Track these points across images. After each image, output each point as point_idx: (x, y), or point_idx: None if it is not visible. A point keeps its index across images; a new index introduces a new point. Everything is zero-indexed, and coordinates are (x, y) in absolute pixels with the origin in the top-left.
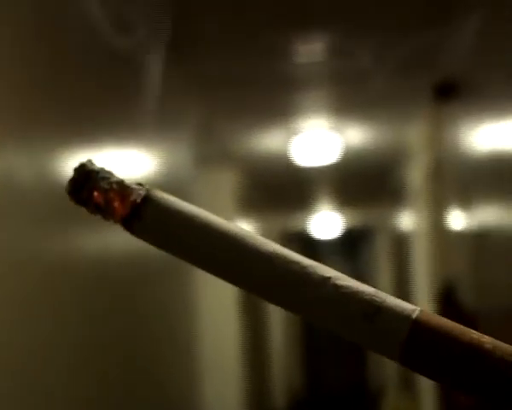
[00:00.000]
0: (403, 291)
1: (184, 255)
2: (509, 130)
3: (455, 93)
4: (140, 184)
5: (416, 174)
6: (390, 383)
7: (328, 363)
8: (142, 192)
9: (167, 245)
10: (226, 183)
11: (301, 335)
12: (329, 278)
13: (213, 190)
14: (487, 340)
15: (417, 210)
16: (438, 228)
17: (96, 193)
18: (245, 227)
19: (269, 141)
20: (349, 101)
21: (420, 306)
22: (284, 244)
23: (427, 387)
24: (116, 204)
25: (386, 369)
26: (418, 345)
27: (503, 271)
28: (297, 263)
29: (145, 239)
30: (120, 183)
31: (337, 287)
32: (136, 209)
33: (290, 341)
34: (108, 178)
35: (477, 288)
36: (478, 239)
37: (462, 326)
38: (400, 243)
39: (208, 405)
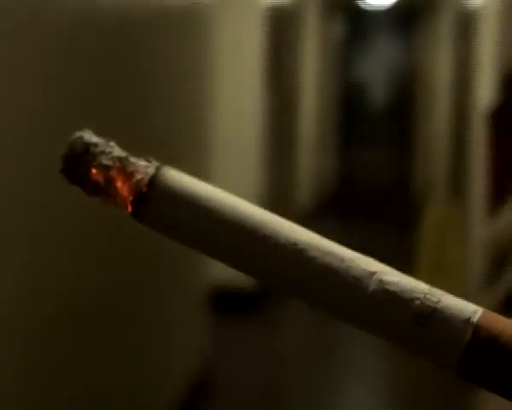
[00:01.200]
0: (463, 77)
1: (199, 246)
2: None
3: None
4: (148, 160)
5: None
6: (436, 186)
7: (366, 155)
8: (151, 170)
9: (179, 234)
10: None
11: (337, 116)
12: (374, 273)
13: None
14: None
15: None
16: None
17: (94, 170)
18: None
19: None
20: None
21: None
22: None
23: (478, 197)
24: (119, 184)
25: (434, 168)
26: (479, 354)
27: None
28: (335, 255)
29: (152, 226)
30: (124, 158)
31: (383, 284)
32: (143, 191)
33: (324, 122)
34: (110, 153)
35: None
36: None
37: None
38: (465, 21)
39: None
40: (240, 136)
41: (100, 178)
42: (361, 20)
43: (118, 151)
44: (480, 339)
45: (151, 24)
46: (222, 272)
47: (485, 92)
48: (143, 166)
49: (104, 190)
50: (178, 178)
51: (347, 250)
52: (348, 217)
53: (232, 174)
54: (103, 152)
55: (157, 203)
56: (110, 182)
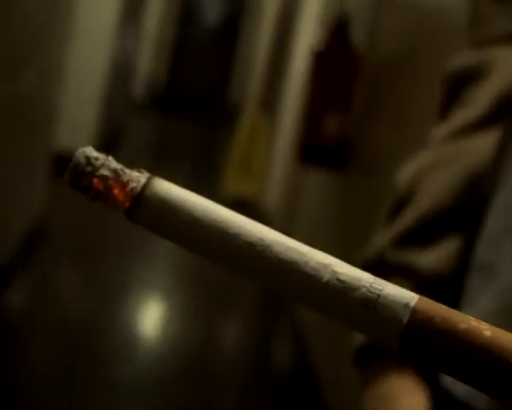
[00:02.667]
0: (288, 13)
1: (184, 244)
2: None
3: None
4: (140, 171)
5: None
6: (249, 101)
7: (195, 64)
8: (143, 179)
9: (167, 234)
10: None
11: (174, 32)
12: (328, 264)
13: None
14: (486, 327)
15: None
16: None
17: (95, 180)
18: None
19: None
20: None
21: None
22: None
23: (285, 111)
24: (116, 191)
25: (251, 83)
26: (417, 333)
27: (394, 17)
28: (295, 250)
29: (145, 226)
30: (120, 170)
31: (336, 274)
32: (136, 197)
33: (164, 35)
34: (108, 165)
35: (369, 31)
36: None
37: (460, 313)
38: None
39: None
40: (96, 26)
41: (100, 187)
42: None
43: (114, 164)
44: (416, 321)
45: None
46: (64, 139)
47: (309, 31)
48: (136, 177)
49: (104, 196)
50: (165, 186)
51: (304, 246)
52: (173, 113)
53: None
54: (103, 164)
55: (147, 207)
56: (108, 190)
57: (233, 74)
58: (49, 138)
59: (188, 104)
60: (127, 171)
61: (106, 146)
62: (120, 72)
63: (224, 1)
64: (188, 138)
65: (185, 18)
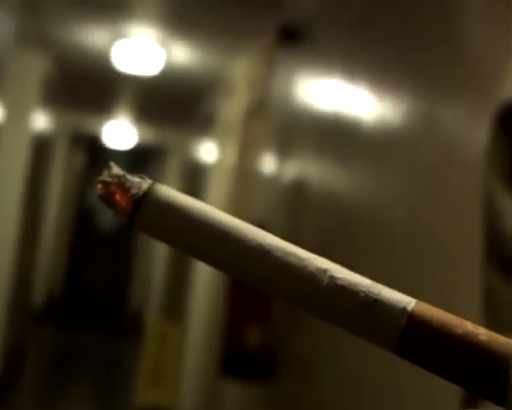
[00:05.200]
0: None
1: (185, 249)
2: (337, 89)
3: (295, 40)
4: (142, 178)
5: (231, 109)
6: (152, 306)
7: (93, 271)
8: (144, 185)
9: (168, 239)
10: (38, 66)
11: (69, 239)
12: (326, 270)
13: (24, 70)
14: (483, 331)
15: (223, 145)
16: (244, 167)
17: (99, 185)
18: (39, 119)
19: (92, 38)
20: (181, 16)
21: None
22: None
23: (194, 316)
24: (117, 197)
25: (151, 290)
26: (414, 337)
27: (311, 221)
28: (294, 255)
29: (146, 232)
30: (122, 176)
31: (334, 279)
32: (137, 203)
33: (60, 243)
34: (110, 172)
35: (287, 232)
36: (291, 188)
37: (457, 318)
38: (196, 172)
39: None
40: None
41: (102, 192)
42: (104, 156)
43: (116, 170)
44: (413, 324)
45: None
46: None
47: None
48: (138, 183)
49: (107, 202)
50: (167, 192)
51: (304, 251)
52: (74, 323)
53: None
54: (105, 171)
55: (148, 213)
56: (110, 195)
57: (132, 279)
58: None
59: (88, 311)
60: (129, 177)
61: (6, 371)
62: (19, 286)
63: None
64: (91, 349)
65: (80, 224)
